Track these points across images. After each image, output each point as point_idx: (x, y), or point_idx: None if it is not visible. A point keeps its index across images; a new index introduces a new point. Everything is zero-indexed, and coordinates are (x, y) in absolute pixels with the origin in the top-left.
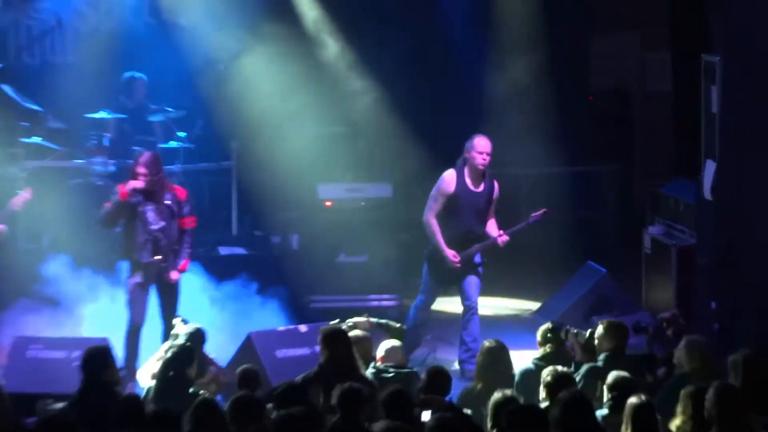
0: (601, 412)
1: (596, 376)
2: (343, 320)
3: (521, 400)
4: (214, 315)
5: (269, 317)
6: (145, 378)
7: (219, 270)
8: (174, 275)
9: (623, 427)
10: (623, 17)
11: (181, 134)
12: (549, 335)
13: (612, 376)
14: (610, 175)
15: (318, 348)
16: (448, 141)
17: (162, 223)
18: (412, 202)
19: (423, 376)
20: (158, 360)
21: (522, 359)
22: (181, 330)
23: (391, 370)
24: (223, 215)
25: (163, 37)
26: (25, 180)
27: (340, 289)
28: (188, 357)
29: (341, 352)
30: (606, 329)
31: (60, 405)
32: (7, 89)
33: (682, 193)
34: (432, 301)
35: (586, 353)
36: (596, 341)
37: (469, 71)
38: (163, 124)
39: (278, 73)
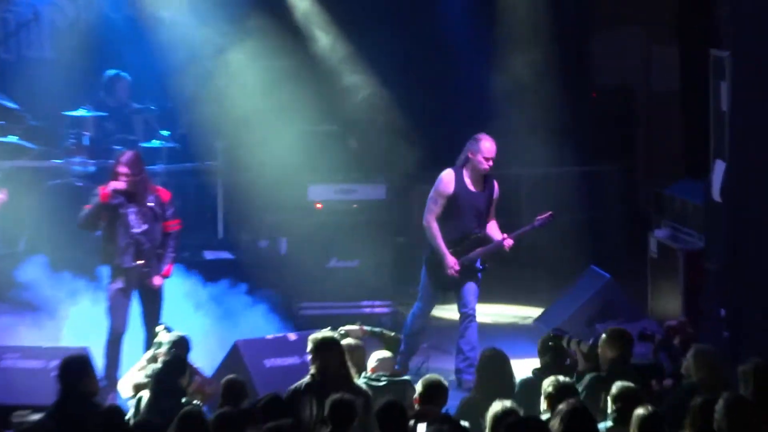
0: (605, 424)
1: (600, 386)
2: (335, 328)
3: (521, 412)
4: (199, 322)
5: (257, 325)
6: (127, 389)
7: (204, 275)
8: (157, 281)
9: None
10: (627, 11)
11: (165, 133)
12: (550, 344)
13: (616, 386)
14: (614, 175)
15: (308, 357)
16: (446, 140)
17: (144, 226)
18: (406, 204)
19: (418, 386)
20: (140, 370)
21: (522, 369)
22: (165, 338)
23: (383, 378)
24: (208, 218)
25: (144, 32)
26: (0, 181)
27: (331, 295)
28: (181, 367)
29: (333, 361)
30: (610, 337)
31: (37, 417)
32: None
33: (690, 195)
34: (431, 308)
35: (589, 363)
36: (600, 350)
37: (468, 67)
38: (146, 122)
39: (266, 69)
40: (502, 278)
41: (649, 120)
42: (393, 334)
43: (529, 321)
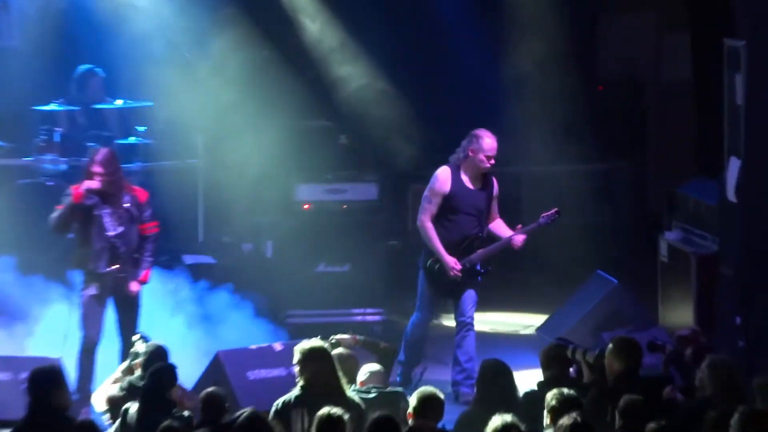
0: None
1: (606, 399)
2: (325, 337)
3: (523, 427)
4: (178, 331)
5: (240, 334)
6: (101, 402)
7: (184, 281)
8: (134, 287)
9: None
10: None
11: (141, 129)
12: (554, 355)
13: (624, 400)
14: (621, 173)
15: (295, 369)
16: (444, 135)
17: (120, 229)
18: (401, 205)
19: (412, 399)
20: (115, 382)
21: (524, 381)
22: (142, 348)
23: (374, 390)
24: (188, 219)
25: (119, 20)
26: None
27: (320, 302)
28: (171, 377)
29: (323, 373)
30: (617, 348)
31: None
32: None
33: (703, 194)
34: (431, 316)
35: (595, 374)
36: (606, 361)
37: (467, 58)
38: (121, 117)
39: (250, 60)
40: (502, 284)
41: (660, 114)
42: (387, 344)
43: (531, 330)
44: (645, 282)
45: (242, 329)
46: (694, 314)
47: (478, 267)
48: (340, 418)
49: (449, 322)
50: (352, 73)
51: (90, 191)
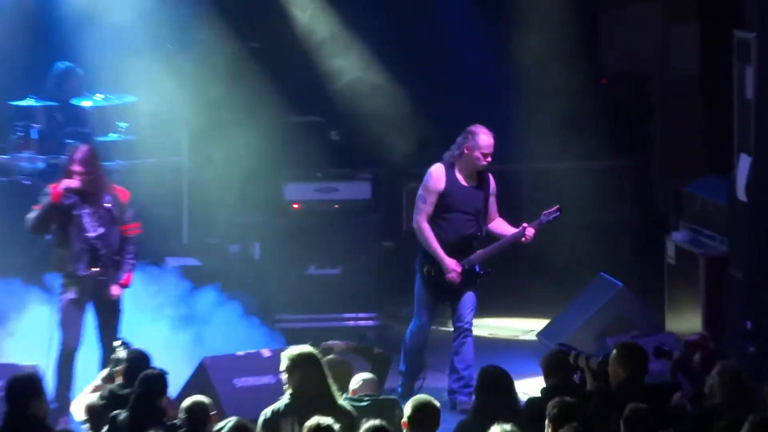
0: None
1: (611, 408)
2: (315, 343)
3: None
4: (161, 337)
5: (226, 339)
6: (80, 411)
7: (168, 284)
8: (115, 290)
9: None
10: None
11: (122, 125)
12: (556, 361)
13: (629, 408)
14: (626, 171)
15: (282, 376)
16: (440, 132)
17: (101, 230)
18: (395, 204)
19: (406, 408)
20: (95, 390)
21: (524, 389)
22: (123, 355)
23: (366, 398)
24: (171, 220)
25: (98, 11)
26: None
27: (310, 306)
28: (162, 385)
29: (312, 379)
30: (622, 354)
31: None
32: None
33: (712, 193)
34: (430, 322)
35: (598, 381)
36: (610, 368)
37: (464, 50)
38: (101, 113)
39: (237, 51)
40: (501, 287)
41: (666, 109)
42: (380, 350)
43: (532, 335)
44: (651, 285)
45: (229, 334)
46: (703, 318)
47: (478, 269)
48: (329, 427)
49: (446, 327)
50: (345, 65)
51: (69, 190)
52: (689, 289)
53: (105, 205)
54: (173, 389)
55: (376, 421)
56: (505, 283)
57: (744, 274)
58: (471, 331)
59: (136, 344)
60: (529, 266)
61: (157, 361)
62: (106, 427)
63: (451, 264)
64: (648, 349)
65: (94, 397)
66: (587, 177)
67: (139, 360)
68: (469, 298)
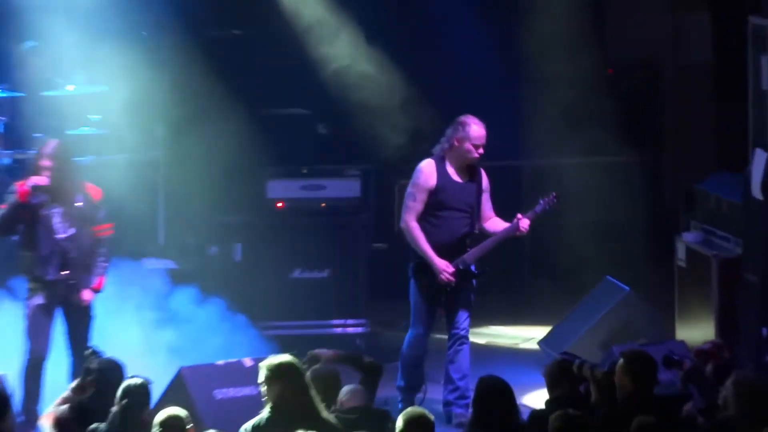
0: None
1: (617, 420)
2: (301, 351)
3: None
4: (137, 345)
5: (205, 348)
6: (49, 425)
7: (143, 288)
8: (86, 295)
9: None
10: None
11: (95, 117)
12: (559, 372)
13: (637, 421)
14: (634, 167)
15: (261, 388)
16: (436, 126)
17: (71, 231)
18: (386, 202)
19: (398, 421)
20: (64, 402)
21: (525, 400)
22: (94, 364)
23: (356, 410)
24: (147, 220)
25: None
26: None
27: (296, 312)
28: (146, 397)
29: (293, 391)
30: (629, 363)
31: None
32: None
33: (725, 191)
34: (429, 330)
35: (603, 392)
36: (617, 378)
37: (462, 38)
38: (72, 104)
39: (217, 39)
40: (500, 291)
41: (677, 101)
42: (371, 359)
43: (533, 343)
44: (660, 289)
45: (208, 342)
46: (715, 325)
47: (473, 268)
48: None
49: (441, 334)
50: (333, 52)
51: (37, 188)
52: (701, 293)
53: (76, 204)
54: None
55: None
56: (504, 286)
57: (760, 278)
58: (467, 337)
59: (109, 352)
60: (529, 268)
61: (131, 371)
62: None
63: (442, 264)
64: (657, 358)
65: (64, 410)
66: (592, 174)
67: (111, 370)
68: (464, 302)
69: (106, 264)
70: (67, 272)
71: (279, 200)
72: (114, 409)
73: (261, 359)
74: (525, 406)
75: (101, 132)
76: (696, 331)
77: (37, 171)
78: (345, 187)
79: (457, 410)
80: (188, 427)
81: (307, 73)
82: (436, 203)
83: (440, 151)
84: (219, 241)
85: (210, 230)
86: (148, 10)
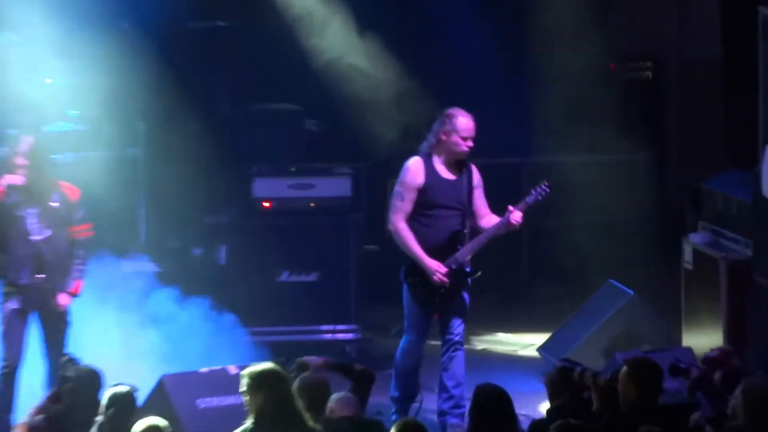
0: None
1: (620, 430)
2: (288, 359)
3: None
4: (115, 352)
5: (188, 354)
6: None
7: (122, 292)
8: (62, 300)
9: None
10: None
11: (72, 113)
12: (559, 380)
13: (641, 431)
14: (639, 165)
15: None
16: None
17: (47, 232)
18: (378, 202)
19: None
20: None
21: (524, 409)
22: (71, 372)
23: (345, 421)
24: (127, 220)
25: None
26: None
27: (283, 317)
28: (132, 405)
29: (276, 400)
30: (633, 370)
31: None
32: None
33: (734, 190)
34: (424, 337)
35: (606, 401)
36: (620, 386)
37: (459, 30)
38: (49, 99)
39: (201, 31)
40: (498, 295)
41: (683, 96)
42: (362, 366)
43: (532, 350)
44: (666, 293)
45: (191, 349)
46: (724, 331)
47: (468, 268)
48: None
49: (434, 341)
50: (323, 45)
51: (11, 188)
52: (709, 297)
53: (52, 204)
54: None
55: None
56: (502, 289)
57: None
58: (461, 343)
59: (88, 357)
60: (529, 270)
61: (112, 376)
62: None
63: (434, 265)
64: (663, 366)
65: (39, 420)
66: (595, 172)
67: (88, 378)
68: (459, 306)
69: (84, 267)
70: (43, 276)
71: (266, 200)
72: (99, 419)
73: (246, 367)
74: (524, 415)
75: (79, 128)
76: (703, 337)
77: (11, 169)
78: (335, 186)
79: (452, 420)
80: None
81: (295, 67)
82: (425, 202)
83: (427, 147)
84: (203, 243)
85: (193, 231)
86: (129, 1)
